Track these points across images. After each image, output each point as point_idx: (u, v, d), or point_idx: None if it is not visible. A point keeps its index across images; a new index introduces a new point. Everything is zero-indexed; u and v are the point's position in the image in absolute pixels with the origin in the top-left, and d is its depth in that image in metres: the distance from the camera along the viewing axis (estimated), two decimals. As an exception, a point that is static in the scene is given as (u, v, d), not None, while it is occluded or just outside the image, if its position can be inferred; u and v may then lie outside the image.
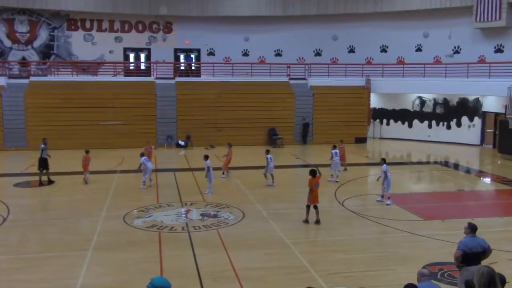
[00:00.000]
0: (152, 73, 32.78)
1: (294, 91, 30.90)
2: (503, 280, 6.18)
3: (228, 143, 20.95)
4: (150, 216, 14.61)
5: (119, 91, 29.12)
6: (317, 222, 13.88)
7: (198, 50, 34.75)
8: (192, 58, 34.98)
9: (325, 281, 10.00)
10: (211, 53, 34.64)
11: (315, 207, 14.00)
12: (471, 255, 8.07)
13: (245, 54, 34.61)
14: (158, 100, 29.28)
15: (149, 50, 34.37)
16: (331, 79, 31.96)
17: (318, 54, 34.69)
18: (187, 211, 15.21)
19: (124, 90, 29.27)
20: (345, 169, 21.06)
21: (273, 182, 18.63)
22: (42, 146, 19.19)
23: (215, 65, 32.66)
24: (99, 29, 33.64)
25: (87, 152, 19.44)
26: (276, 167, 21.11)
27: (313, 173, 14.12)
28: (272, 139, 29.09)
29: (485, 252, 8.19)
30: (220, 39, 34.26)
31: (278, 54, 34.72)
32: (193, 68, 34.40)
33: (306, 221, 13.97)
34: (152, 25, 34.17)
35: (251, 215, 14.71)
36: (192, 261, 11.08)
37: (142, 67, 34.78)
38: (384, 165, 16.14)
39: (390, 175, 16.14)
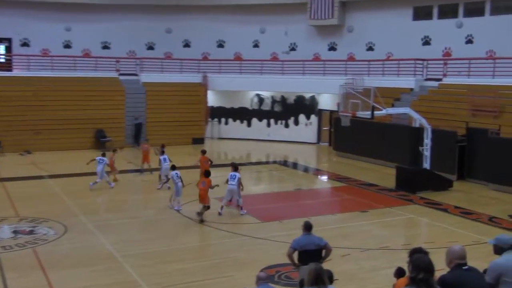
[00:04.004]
0: (-51, 66, 29.65)
1: (124, 88, 30.35)
2: (330, 276, 6.78)
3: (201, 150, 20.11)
4: None
5: None
6: (199, 215, 14.84)
7: (9, 40, 32.21)
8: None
9: (158, 295, 9.99)
10: (25, 44, 32.34)
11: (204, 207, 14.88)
12: (306, 253, 8.63)
13: (67, 46, 32.96)
14: (-43, 99, 26.58)
15: None
16: (165, 75, 31.96)
17: (150, 48, 34.40)
18: (-4, 229, 14.06)
19: None
20: (150, 173, 21.11)
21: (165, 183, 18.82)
22: None
23: (30, 58, 30.66)
24: None
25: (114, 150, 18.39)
26: (104, 173, 20.47)
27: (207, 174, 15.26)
28: (100, 141, 28.18)
29: (320, 250, 8.81)
30: (36, 28, 32.11)
31: (105, 47, 33.67)
32: (2, 61, 31.82)
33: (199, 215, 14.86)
34: None
35: (74, 229, 14.14)
36: (1, 287, 10.27)
37: None
38: (174, 172, 16.45)
39: (179, 184, 16.32)
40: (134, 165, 23.52)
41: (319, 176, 23.63)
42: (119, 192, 18.85)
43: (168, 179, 16.44)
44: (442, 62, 26.84)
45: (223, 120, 33.72)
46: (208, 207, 14.90)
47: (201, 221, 14.74)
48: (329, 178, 22.77)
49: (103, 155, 19.22)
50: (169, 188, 18.05)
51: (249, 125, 33.45)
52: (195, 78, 32.23)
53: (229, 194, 15.47)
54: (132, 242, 13.27)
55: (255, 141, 32.17)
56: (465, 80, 24.56)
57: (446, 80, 25.92)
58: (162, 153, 19.46)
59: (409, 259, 5.58)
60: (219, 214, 15.41)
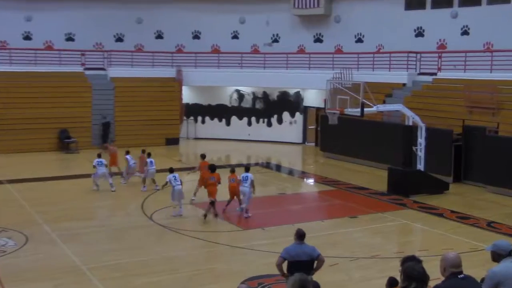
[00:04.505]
0: None
1: (90, 84, 30.19)
2: (317, 288, 6.80)
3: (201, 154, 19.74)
4: None
5: None
6: (204, 216, 15.63)
7: (-38, 31, 31.88)
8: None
9: (129, 311, 9.94)
10: (-20, 35, 32.04)
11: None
12: (297, 264, 8.52)
13: (27, 37, 32.65)
14: None
15: None
16: (136, 69, 31.83)
17: (119, 39, 34.21)
18: None
19: None
20: (121, 176, 20.84)
21: (156, 185, 19.12)
22: None
23: (-14, 50, 30.39)
24: None
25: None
26: (69, 177, 20.39)
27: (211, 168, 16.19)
28: (64, 143, 27.99)
29: (312, 261, 8.71)
30: (-8, 18, 31.83)
31: (70, 39, 33.40)
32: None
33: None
34: None
35: (36, 239, 14.02)
36: (-45, 304, 10.15)
37: None
38: (171, 175, 16.41)
39: (178, 187, 16.18)
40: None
41: (305, 179, 23.70)
42: (86, 198, 18.72)
43: (166, 183, 16.49)
44: (436, 55, 27.08)
45: (199, 118, 33.65)
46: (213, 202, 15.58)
47: (216, 215, 15.72)
48: (315, 181, 22.86)
49: (99, 156, 19.40)
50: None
51: (228, 124, 33.43)
52: (169, 72, 32.11)
53: (243, 195, 16.15)
54: (99, 253, 13.18)
55: (234, 141, 32.14)
56: (461, 75, 24.82)
57: (441, 75, 26.19)
58: (149, 155, 19.71)
59: (401, 267, 5.61)
60: (246, 217, 16.07)
